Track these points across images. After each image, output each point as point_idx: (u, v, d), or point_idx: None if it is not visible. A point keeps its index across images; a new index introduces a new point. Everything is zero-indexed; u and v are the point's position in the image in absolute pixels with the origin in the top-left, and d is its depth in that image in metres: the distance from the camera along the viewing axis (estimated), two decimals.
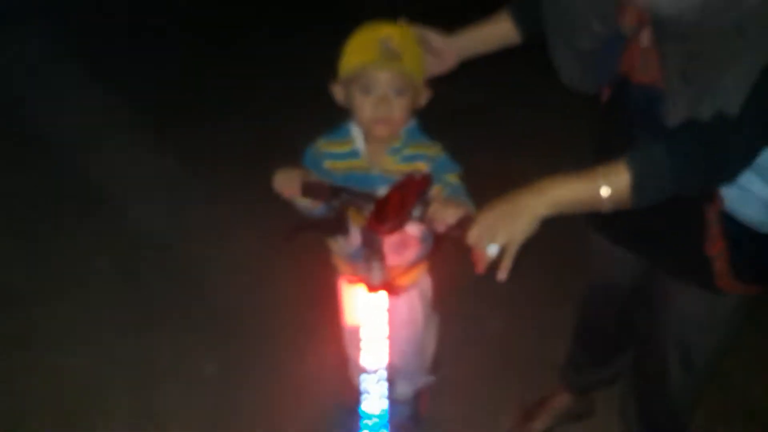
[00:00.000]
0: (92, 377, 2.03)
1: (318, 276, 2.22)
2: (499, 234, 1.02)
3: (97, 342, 2.15)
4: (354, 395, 1.80)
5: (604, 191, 1.03)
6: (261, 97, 3.86)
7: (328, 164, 1.38)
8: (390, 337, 1.37)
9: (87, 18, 4.85)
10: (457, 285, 1.92)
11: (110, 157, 3.20)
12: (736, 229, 1.20)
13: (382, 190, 1.29)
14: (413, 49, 1.30)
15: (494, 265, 1.04)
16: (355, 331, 1.48)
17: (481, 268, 1.04)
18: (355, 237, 1.36)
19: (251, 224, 2.68)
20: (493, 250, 1.02)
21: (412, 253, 1.40)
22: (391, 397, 1.46)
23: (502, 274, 1.03)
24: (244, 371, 2.03)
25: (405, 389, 1.73)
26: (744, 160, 1.04)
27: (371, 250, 1.24)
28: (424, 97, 1.35)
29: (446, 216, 1.09)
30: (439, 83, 1.38)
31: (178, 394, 1.97)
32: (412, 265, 1.37)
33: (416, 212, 1.12)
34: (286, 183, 1.29)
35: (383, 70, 1.25)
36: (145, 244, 2.62)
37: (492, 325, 2.20)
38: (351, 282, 1.34)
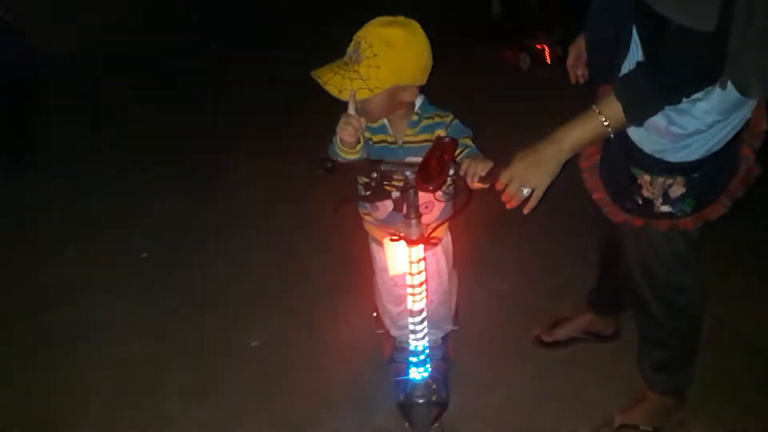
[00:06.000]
0: (148, 356, 2.24)
1: (343, 249, 2.50)
2: (530, 180, 1.25)
3: (149, 327, 2.36)
4: (389, 347, 2.06)
5: (606, 123, 1.24)
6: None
7: (366, 133, 1.57)
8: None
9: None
10: (471, 254, 2.14)
11: (142, 163, 3.47)
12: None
13: (409, 160, 1.54)
14: (389, 51, 1.39)
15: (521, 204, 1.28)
16: (399, 279, 1.73)
17: (511, 205, 1.28)
18: (387, 205, 1.60)
19: (282, 206, 2.98)
20: (525, 192, 1.26)
21: (437, 211, 1.65)
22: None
23: (527, 210, 1.28)
24: (285, 341, 2.26)
25: (435, 335, 1.98)
26: (712, 66, 1.15)
27: (409, 209, 1.49)
28: (408, 94, 1.49)
29: (478, 169, 1.33)
30: None
31: (228, 365, 2.19)
32: (443, 219, 1.61)
33: (451, 171, 1.37)
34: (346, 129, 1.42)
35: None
36: (180, 237, 2.86)
37: (503, 287, 2.42)
38: (393, 239, 1.57)
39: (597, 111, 1.25)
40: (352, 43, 1.45)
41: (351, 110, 1.43)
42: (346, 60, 1.44)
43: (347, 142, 1.45)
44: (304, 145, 3.18)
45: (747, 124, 1.36)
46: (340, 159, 1.50)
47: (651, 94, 1.22)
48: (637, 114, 1.25)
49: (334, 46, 1.54)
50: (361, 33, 1.43)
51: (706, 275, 1.83)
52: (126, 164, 3.46)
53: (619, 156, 1.44)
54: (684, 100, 1.24)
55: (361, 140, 1.49)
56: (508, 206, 1.29)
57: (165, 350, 2.26)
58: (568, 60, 1.75)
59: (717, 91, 1.24)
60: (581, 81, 1.73)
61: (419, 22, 1.46)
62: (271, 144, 3.52)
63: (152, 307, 2.46)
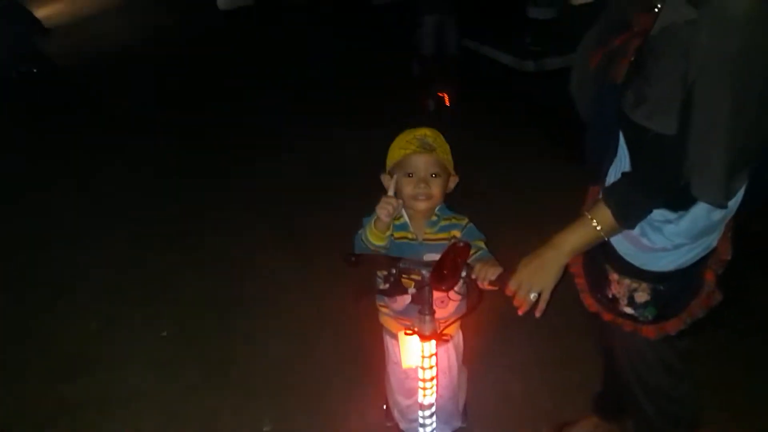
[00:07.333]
0: None
1: (357, 340, 2.57)
2: (535, 284, 1.37)
3: (165, 403, 2.42)
4: None
5: (598, 228, 1.36)
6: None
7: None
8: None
9: None
10: (482, 351, 2.23)
11: (164, 237, 3.64)
12: None
13: (428, 256, 1.67)
14: (444, 144, 1.70)
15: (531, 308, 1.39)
16: (411, 373, 1.81)
17: (523, 310, 1.39)
18: (405, 297, 1.71)
19: (301, 294, 3.06)
20: (533, 296, 1.38)
21: (452, 307, 1.75)
22: None
23: (539, 313, 1.39)
24: (296, 427, 2.30)
25: (443, 431, 2.01)
26: (679, 168, 1.24)
27: (424, 306, 1.59)
28: (453, 182, 1.73)
29: (488, 274, 1.45)
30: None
31: None
32: (455, 317, 1.71)
33: (463, 273, 1.48)
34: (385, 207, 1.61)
35: (422, 156, 1.64)
36: (199, 317, 2.96)
37: (512, 386, 2.45)
38: (407, 334, 1.67)
39: (589, 217, 1.38)
40: (415, 139, 1.66)
41: (390, 192, 1.62)
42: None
43: (382, 223, 1.62)
44: (326, 237, 3.38)
45: (714, 251, 1.47)
46: (368, 244, 1.65)
47: (634, 197, 1.34)
48: (626, 216, 1.36)
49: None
50: (418, 132, 1.67)
51: (707, 386, 1.87)
52: (151, 244, 3.61)
53: (598, 251, 1.53)
54: (665, 208, 1.36)
55: (390, 229, 1.66)
56: (520, 312, 1.40)
57: (180, 427, 2.31)
58: None
59: (687, 217, 1.36)
60: None
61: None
62: (296, 233, 3.65)
63: (169, 385, 2.53)
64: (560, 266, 1.40)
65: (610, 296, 1.56)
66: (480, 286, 1.48)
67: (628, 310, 1.53)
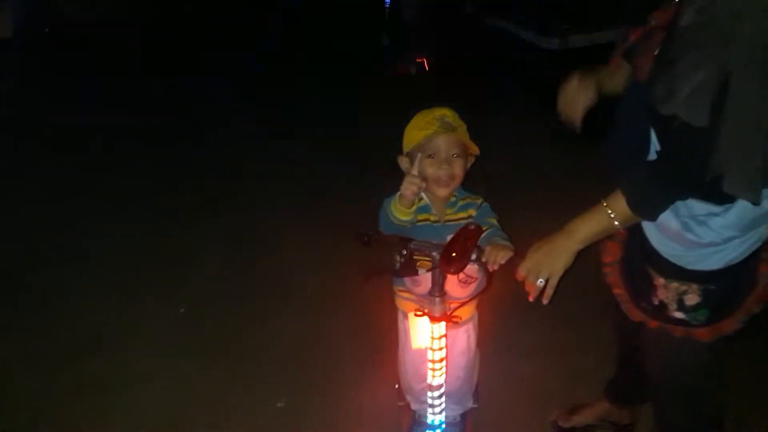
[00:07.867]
0: (174, 413, 2.31)
1: (371, 320, 2.58)
2: (544, 269, 1.35)
3: (179, 381, 2.45)
4: (408, 420, 2.11)
5: (612, 216, 1.33)
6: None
7: None
8: (449, 363, 1.70)
9: None
10: (495, 334, 2.22)
11: (189, 222, 3.62)
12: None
13: (450, 236, 1.66)
14: (462, 124, 1.68)
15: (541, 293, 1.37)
16: (421, 354, 1.81)
17: (532, 296, 1.37)
18: (428, 281, 1.70)
19: (318, 274, 3.07)
20: (540, 282, 1.35)
21: (473, 287, 1.74)
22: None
23: (546, 300, 1.37)
24: (310, 404, 2.33)
25: (455, 411, 2.02)
26: (706, 160, 1.20)
27: (434, 287, 1.59)
28: (470, 162, 1.71)
29: (498, 257, 1.44)
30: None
31: (253, 426, 2.26)
32: (470, 299, 1.70)
33: (473, 255, 1.47)
34: None
35: (444, 136, 1.62)
36: (215, 294, 2.99)
37: (524, 368, 2.45)
38: (417, 315, 1.67)
39: (605, 205, 1.35)
40: (435, 119, 1.64)
41: (415, 171, 1.60)
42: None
43: (407, 199, 1.60)
44: (341, 219, 3.38)
45: (766, 243, 1.40)
46: (393, 220, 1.64)
47: (652, 187, 1.31)
48: (640, 206, 1.32)
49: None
50: (437, 112, 1.66)
51: (729, 379, 1.83)
52: (170, 224, 3.60)
53: (638, 255, 1.50)
54: (695, 200, 1.31)
55: (416, 203, 1.64)
56: (530, 298, 1.38)
57: (192, 408, 2.33)
58: None
59: (735, 209, 1.31)
60: None
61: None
62: (311, 215, 3.63)
63: (185, 362, 2.55)
64: (571, 253, 1.37)
65: (657, 303, 1.49)
66: (490, 269, 1.47)
67: (679, 315, 1.46)
